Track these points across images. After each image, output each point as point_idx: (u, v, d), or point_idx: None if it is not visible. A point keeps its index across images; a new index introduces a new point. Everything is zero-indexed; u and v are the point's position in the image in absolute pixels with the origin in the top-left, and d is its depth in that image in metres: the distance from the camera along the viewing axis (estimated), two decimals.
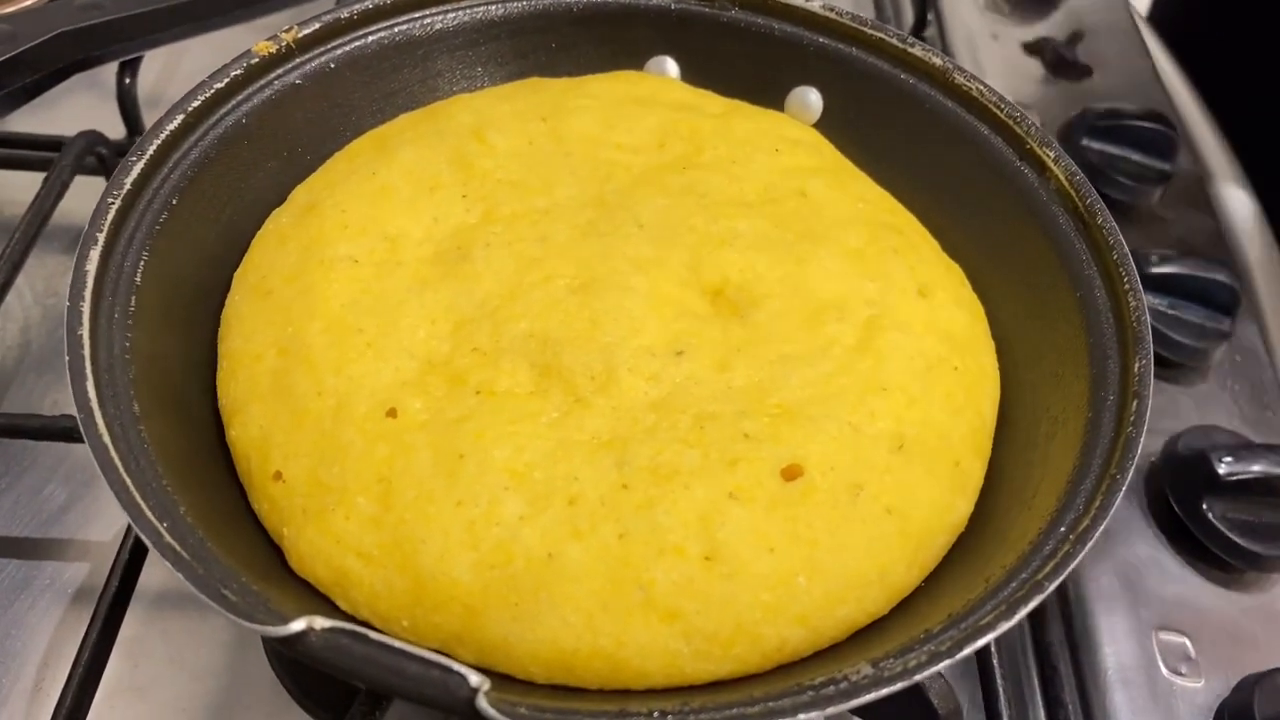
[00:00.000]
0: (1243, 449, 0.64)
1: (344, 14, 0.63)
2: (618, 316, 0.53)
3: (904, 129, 0.65)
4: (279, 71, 0.61)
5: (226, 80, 0.59)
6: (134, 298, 0.51)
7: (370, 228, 0.56)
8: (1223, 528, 0.62)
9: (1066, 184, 0.58)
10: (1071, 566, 0.44)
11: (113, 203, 0.52)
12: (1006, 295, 0.59)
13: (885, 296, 0.55)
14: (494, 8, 0.66)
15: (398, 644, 0.40)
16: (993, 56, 0.93)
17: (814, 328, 0.54)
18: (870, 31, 0.65)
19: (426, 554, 0.46)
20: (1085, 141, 0.82)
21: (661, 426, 0.49)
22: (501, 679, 0.46)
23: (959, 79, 0.63)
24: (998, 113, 0.62)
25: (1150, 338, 0.52)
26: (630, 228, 0.57)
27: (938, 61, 0.64)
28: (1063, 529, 0.46)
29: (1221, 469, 0.63)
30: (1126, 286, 0.54)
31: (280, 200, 0.60)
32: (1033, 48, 0.94)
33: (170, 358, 0.52)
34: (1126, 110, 0.84)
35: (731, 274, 0.56)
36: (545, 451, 0.48)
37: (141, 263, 0.52)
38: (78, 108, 0.85)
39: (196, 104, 0.57)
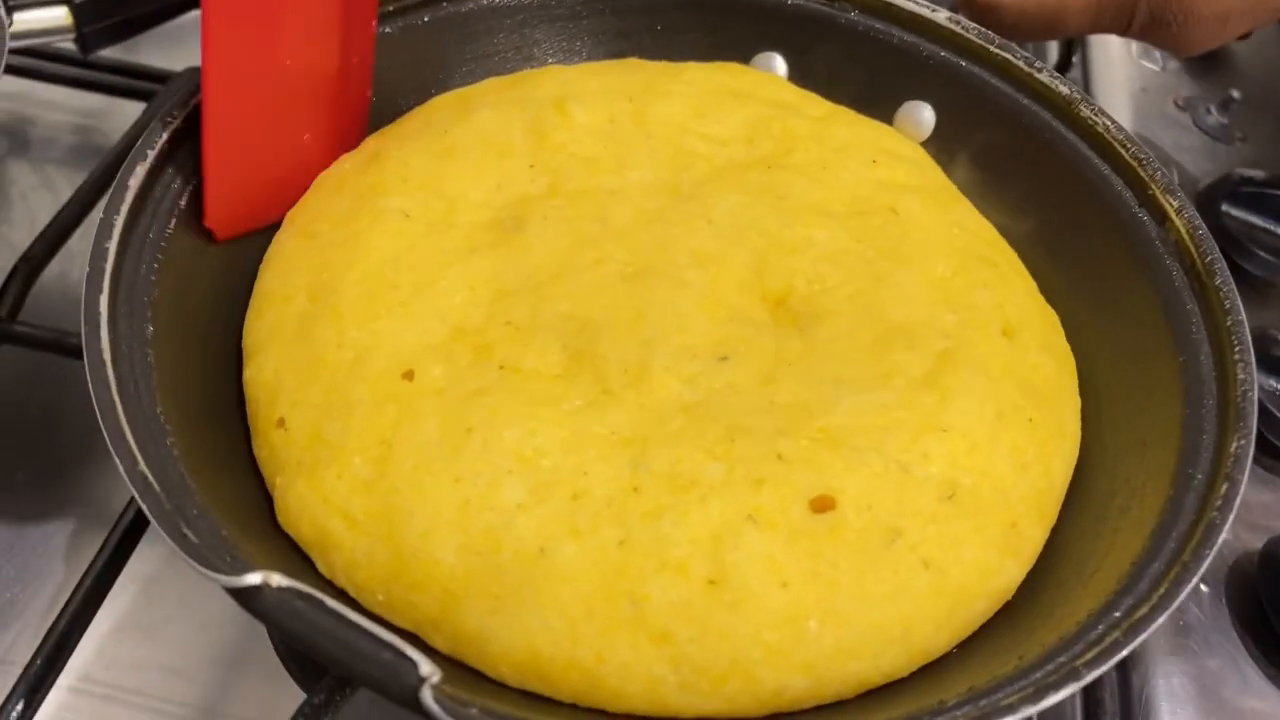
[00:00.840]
0: None
1: None
2: (664, 311, 0.49)
3: (1018, 157, 0.59)
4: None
5: None
6: (173, 221, 0.50)
7: (430, 184, 0.54)
8: None
9: (1187, 237, 0.52)
10: (1118, 658, 0.38)
11: (171, 121, 0.51)
12: (1102, 350, 0.53)
13: (964, 331, 0.50)
14: None
15: (353, 616, 0.37)
16: (1138, 108, 0.87)
17: (879, 353, 0.49)
18: (996, 50, 0.60)
19: (413, 528, 0.43)
20: (1225, 207, 0.75)
21: (689, 433, 0.45)
22: (472, 675, 0.43)
23: (1084, 111, 0.57)
24: (1122, 152, 0.56)
25: (1255, 418, 0.46)
26: (699, 221, 0.53)
27: (1064, 90, 0.58)
28: (1118, 614, 0.41)
29: None
30: (1237, 357, 0.48)
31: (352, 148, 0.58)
32: (1184, 105, 0.87)
33: (201, 288, 0.50)
34: (1276, 179, 0.77)
35: (798, 283, 0.52)
36: (559, 440, 0.45)
37: (189, 189, 0.51)
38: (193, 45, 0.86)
39: None
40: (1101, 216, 0.56)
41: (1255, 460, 0.62)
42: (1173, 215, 0.53)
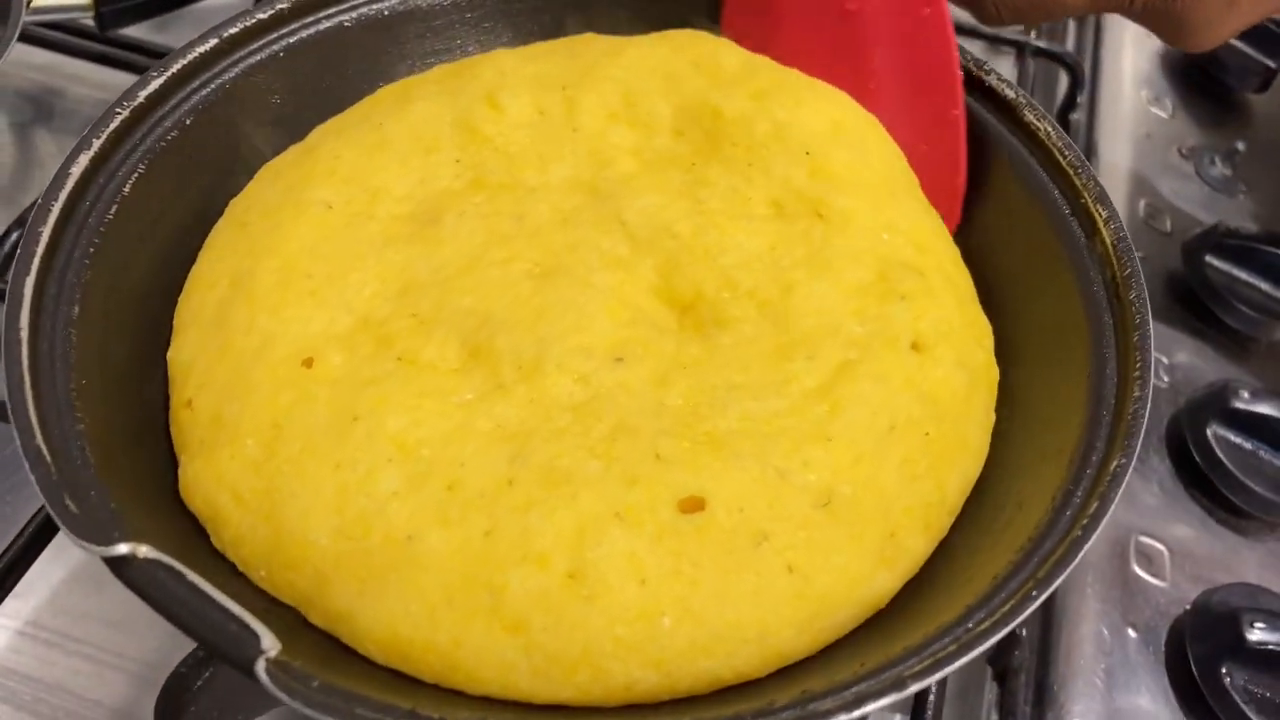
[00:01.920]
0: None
1: None
2: (565, 310, 0.50)
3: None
4: (331, 10, 0.61)
5: (271, 12, 0.59)
6: (114, 208, 0.52)
7: (356, 178, 0.55)
8: (1238, 699, 0.54)
9: (1110, 248, 0.51)
10: (945, 672, 0.39)
11: (120, 112, 0.54)
12: (1025, 361, 0.53)
13: (870, 343, 0.50)
14: None
15: (209, 590, 0.40)
16: (1140, 153, 0.85)
17: (777, 362, 0.49)
18: None
19: (292, 509, 0.45)
20: (1210, 259, 0.73)
21: (573, 430, 0.46)
22: (346, 651, 0.45)
23: (1029, 115, 0.57)
24: (1060, 158, 0.55)
25: (1140, 438, 0.45)
26: (612, 223, 0.54)
27: (1010, 94, 0.57)
28: (964, 628, 0.41)
29: (1251, 634, 0.55)
30: (1137, 374, 0.47)
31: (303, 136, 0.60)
32: (1188, 154, 0.85)
33: (139, 273, 0.53)
34: (1262, 234, 0.75)
35: (706, 289, 0.52)
36: (442, 432, 0.46)
37: (135, 175, 0.53)
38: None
39: (234, 31, 0.58)
40: (1036, 221, 0.55)
41: (1209, 511, 0.62)
42: (1100, 225, 0.52)
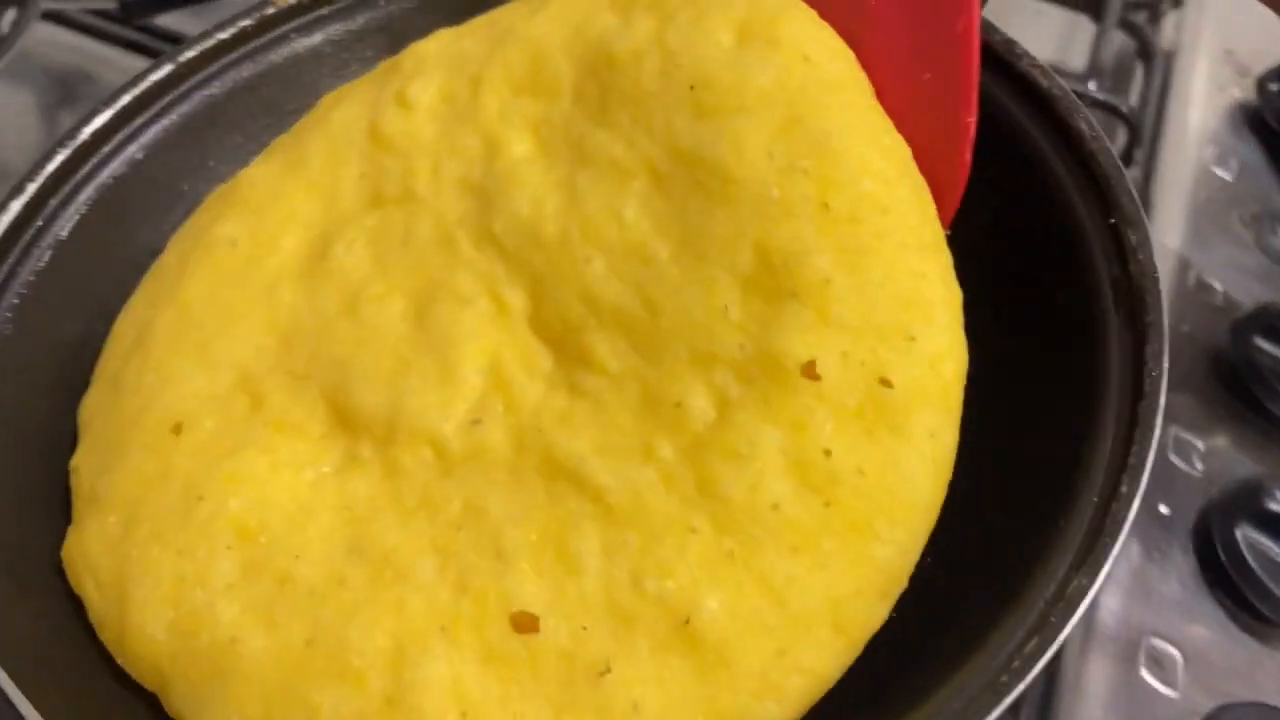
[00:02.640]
0: None
1: None
2: (429, 361, 0.45)
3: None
4: (297, 23, 0.58)
5: (233, 30, 0.57)
6: (50, 255, 0.51)
7: (265, 206, 0.51)
8: None
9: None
10: None
11: (60, 153, 0.52)
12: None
13: (751, 370, 0.40)
14: None
15: (14, 694, 0.38)
16: (1197, 216, 0.79)
17: (643, 417, 0.41)
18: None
19: (135, 599, 0.42)
20: (1258, 340, 0.66)
21: (422, 513, 0.42)
22: None
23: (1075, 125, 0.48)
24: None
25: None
26: (484, 237, 0.47)
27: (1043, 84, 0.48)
28: None
29: None
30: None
31: None
32: (1249, 222, 0.79)
33: (70, 328, 0.51)
34: None
35: (571, 316, 0.44)
36: (286, 514, 0.43)
37: (77, 219, 0.52)
38: None
39: (191, 55, 0.56)
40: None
41: (1231, 615, 0.56)
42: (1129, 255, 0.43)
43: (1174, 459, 0.65)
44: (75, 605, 0.45)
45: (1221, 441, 0.67)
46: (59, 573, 0.46)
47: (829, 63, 0.44)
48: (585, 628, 0.38)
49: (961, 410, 0.41)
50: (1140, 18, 1.05)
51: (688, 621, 0.38)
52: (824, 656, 0.39)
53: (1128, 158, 0.83)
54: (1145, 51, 1.00)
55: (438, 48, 0.53)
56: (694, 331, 0.41)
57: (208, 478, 0.44)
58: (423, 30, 0.56)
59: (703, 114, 0.44)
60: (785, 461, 0.39)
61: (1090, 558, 0.37)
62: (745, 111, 0.43)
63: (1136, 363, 0.40)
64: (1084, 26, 1.04)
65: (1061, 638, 0.36)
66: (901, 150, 0.43)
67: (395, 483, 0.43)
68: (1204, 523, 0.60)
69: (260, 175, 0.52)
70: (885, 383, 0.40)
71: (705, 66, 0.44)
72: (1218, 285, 0.77)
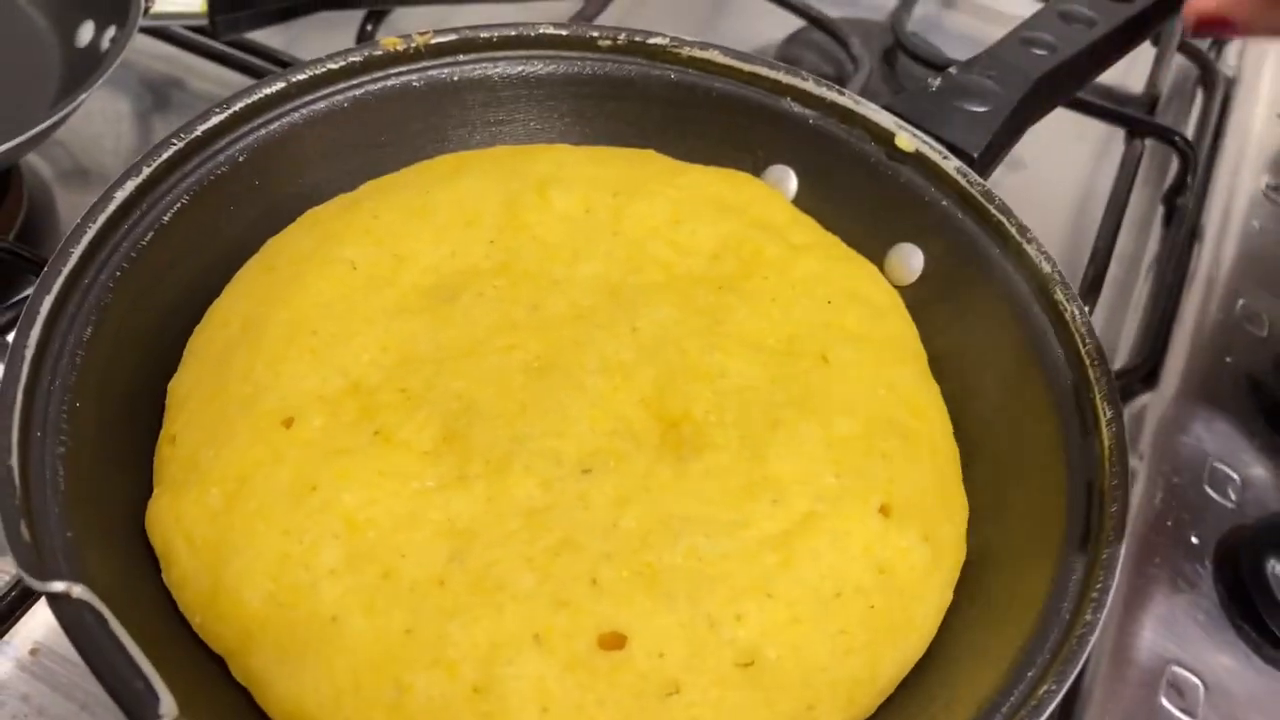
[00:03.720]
0: None
1: (484, 33, 0.64)
2: (549, 411, 0.51)
3: (994, 324, 0.57)
4: (401, 69, 0.63)
5: (342, 64, 0.61)
6: (150, 235, 0.54)
7: (387, 241, 0.57)
8: None
9: (1106, 452, 0.50)
10: None
11: (175, 144, 0.56)
12: (996, 544, 0.52)
13: (840, 500, 0.49)
14: (631, 68, 0.65)
15: (127, 642, 0.41)
16: (1248, 244, 0.80)
17: (742, 500, 0.49)
18: (993, 211, 0.58)
19: (233, 565, 0.46)
20: (1273, 563, 0.62)
21: (520, 537, 0.47)
22: (258, 711, 0.46)
23: (1059, 294, 0.55)
24: (1080, 345, 0.53)
25: (1078, 664, 0.43)
26: (623, 327, 0.55)
27: (1046, 268, 0.56)
28: None
29: None
30: (1094, 597, 0.45)
31: (353, 187, 0.62)
32: None
33: (161, 300, 0.55)
34: None
35: (695, 410, 0.52)
36: (393, 516, 0.47)
37: (178, 206, 0.56)
38: (319, 41, 0.93)
39: (302, 77, 0.60)
40: (1040, 404, 0.53)
41: (1255, 647, 0.59)
42: (1102, 426, 0.50)
43: (1209, 490, 0.66)
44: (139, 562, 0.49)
45: (1259, 473, 0.69)
46: (132, 531, 0.49)
47: (912, 335, 0.61)
48: (662, 655, 0.44)
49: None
50: (1202, 43, 1.05)
51: (751, 664, 0.45)
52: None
53: (1180, 187, 0.84)
54: (1206, 78, 1.01)
55: (573, 160, 0.63)
56: (799, 456, 0.51)
57: (320, 471, 0.48)
58: (506, 95, 0.66)
59: (834, 324, 0.57)
60: (853, 564, 0.48)
61: (1061, 670, 0.44)
62: (868, 342, 0.57)
63: (1104, 517, 0.49)
64: (1145, 50, 1.04)
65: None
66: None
67: (499, 506, 0.48)
68: (1233, 554, 0.62)
69: (382, 209, 0.58)
70: (928, 539, 0.50)
71: (842, 296, 0.58)
72: (1264, 316, 0.77)
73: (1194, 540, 0.65)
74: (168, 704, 0.40)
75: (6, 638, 0.58)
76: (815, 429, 0.52)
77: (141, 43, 0.90)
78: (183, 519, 0.48)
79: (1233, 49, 1.05)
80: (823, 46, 0.98)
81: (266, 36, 0.91)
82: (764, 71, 0.64)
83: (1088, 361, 0.53)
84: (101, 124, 0.89)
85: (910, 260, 0.61)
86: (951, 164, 0.60)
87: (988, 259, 0.58)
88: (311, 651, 0.44)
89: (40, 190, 0.82)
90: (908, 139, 0.61)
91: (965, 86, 0.64)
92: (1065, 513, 0.49)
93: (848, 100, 0.62)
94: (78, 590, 0.42)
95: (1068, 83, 0.68)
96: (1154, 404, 0.73)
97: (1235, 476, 0.68)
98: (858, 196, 0.63)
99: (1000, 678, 0.45)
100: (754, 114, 0.64)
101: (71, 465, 0.47)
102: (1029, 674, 0.44)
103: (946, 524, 0.51)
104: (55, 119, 0.68)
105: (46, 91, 0.80)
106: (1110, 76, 0.97)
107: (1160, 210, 0.91)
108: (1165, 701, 0.57)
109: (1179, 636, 0.59)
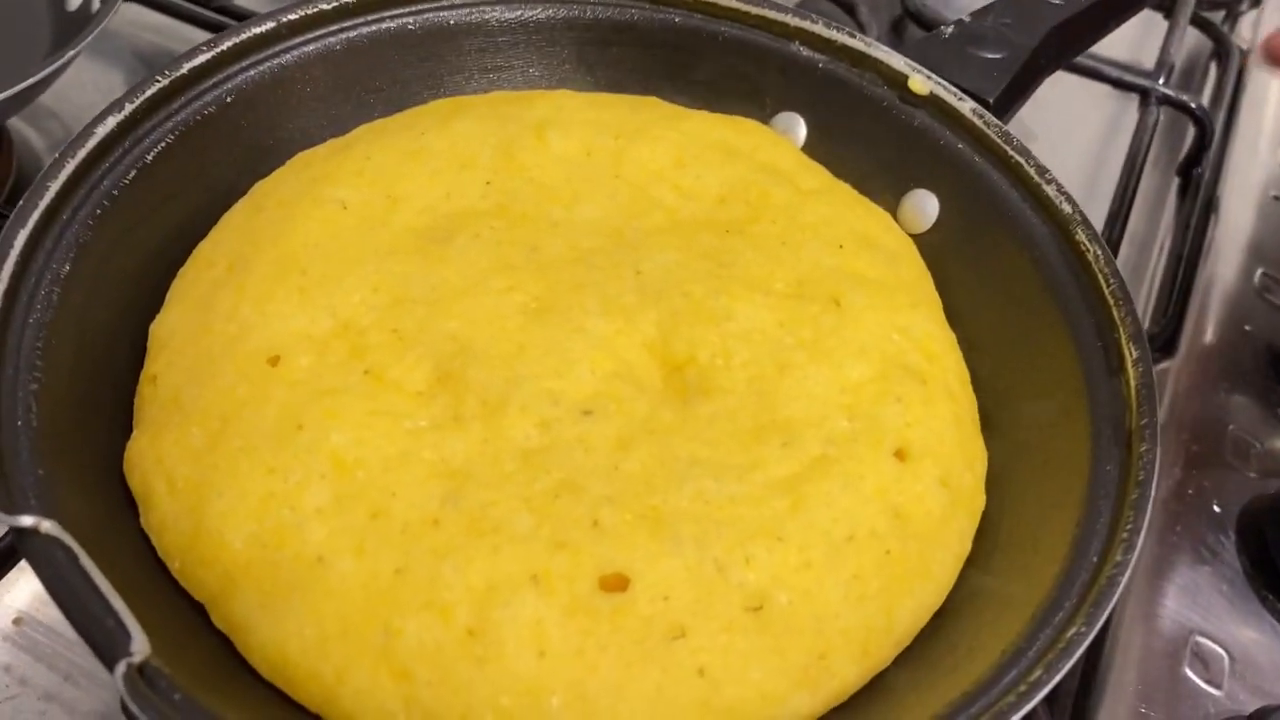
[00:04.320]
0: None
1: None
2: (547, 352, 0.48)
3: (1013, 270, 0.55)
4: (396, 11, 0.61)
5: (336, 4, 0.59)
6: (133, 173, 0.52)
7: (381, 182, 0.55)
8: None
9: (1134, 392, 0.47)
10: None
11: (160, 81, 0.54)
12: (1016, 491, 0.49)
13: (853, 441, 0.47)
14: (633, 11, 0.63)
15: (98, 579, 0.39)
16: (1266, 215, 0.78)
17: (750, 444, 0.47)
18: (1011, 152, 0.56)
19: (215, 506, 0.44)
20: None
21: (518, 478, 0.45)
22: (240, 663, 0.44)
23: (1080, 235, 0.53)
24: (1104, 285, 0.51)
25: (1109, 607, 0.41)
26: (626, 270, 0.52)
27: (1066, 209, 0.54)
28: None
29: None
30: (1124, 537, 0.43)
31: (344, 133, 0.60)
32: None
33: (144, 241, 0.53)
34: None
35: (700, 354, 0.50)
36: (383, 456, 0.45)
37: (162, 145, 0.54)
38: None
39: (294, 17, 0.58)
40: (1061, 347, 0.51)
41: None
42: (1128, 366, 0.48)
43: (1230, 458, 0.64)
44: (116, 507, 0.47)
45: (1279, 443, 0.66)
46: (109, 473, 0.47)
47: (925, 280, 0.58)
48: (667, 598, 0.42)
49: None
50: (1216, 16, 1.03)
51: (760, 608, 0.43)
52: (850, 671, 0.44)
53: (1196, 157, 0.82)
54: (1220, 51, 0.99)
55: (573, 105, 0.60)
56: (810, 399, 0.49)
57: (307, 409, 0.46)
58: (504, 41, 0.64)
59: (846, 268, 0.55)
60: (866, 507, 0.46)
61: (1092, 611, 0.42)
62: (881, 286, 0.55)
63: (1132, 456, 0.47)
64: (1158, 24, 1.02)
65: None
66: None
67: (496, 447, 0.46)
68: (1256, 524, 0.60)
69: (375, 151, 0.56)
70: (945, 484, 0.48)
71: (854, 240, 0.56)
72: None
73: (1216, 509, 0.64)
74: (140, 642, 0.38)
75: None
76: (826, 372, 0.49)
77: (134, 13, 0.87)
78: (163, 459, 0.46)
79: (1246, 21, 1.03)
80: (829, 13, 0.96)
81: (257, 4, 0.89)
82: (771, 14, 0.62)
83: (1112, 302, 0.50)
84: (94, 94, 0.86)
85: (925, 206, 0.59)
86: (967, 105, 0.58)
87: (1006, 202, 0.56)
88: (297, 595, 0.42)
89: (31, 160, 0.80)
90: (921, 81, 0.59)
91: (980, 34, 0.62)
92: (1090, 457, 0.47)
93: (859, 43, 0.60)
94: (46, 525, 0.40)
95: (1084, 33, 0.66)
96: (1172, 372, 0.71)
97: (1256, 444, 0.66)
98: (869, 143, 0.61)
99: (1025, 623, 0.42)
100: (761, 59, 0.62)
101: (45, 404, 0.45)
102: (1056, 618, 0.42)
103: (965, 470, 0.49)
104: (43, 74, 0.65)
105: (37, 54, 0.78)
106: (1123, 50, 0.95)
107: (1175, 182, 0.89)
108: (1190, 672, 0.55)
109: (1203, 607, 0.58)
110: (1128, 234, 0.80)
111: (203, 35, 0.88)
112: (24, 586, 0.56)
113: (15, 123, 0.79)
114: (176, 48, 0.91)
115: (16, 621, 0.56)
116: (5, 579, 0.55)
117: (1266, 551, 0.59)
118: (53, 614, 0.54)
